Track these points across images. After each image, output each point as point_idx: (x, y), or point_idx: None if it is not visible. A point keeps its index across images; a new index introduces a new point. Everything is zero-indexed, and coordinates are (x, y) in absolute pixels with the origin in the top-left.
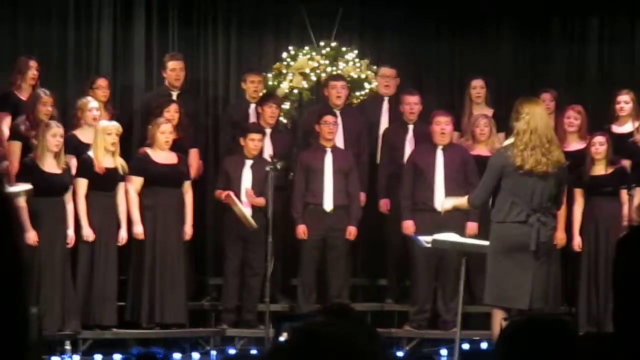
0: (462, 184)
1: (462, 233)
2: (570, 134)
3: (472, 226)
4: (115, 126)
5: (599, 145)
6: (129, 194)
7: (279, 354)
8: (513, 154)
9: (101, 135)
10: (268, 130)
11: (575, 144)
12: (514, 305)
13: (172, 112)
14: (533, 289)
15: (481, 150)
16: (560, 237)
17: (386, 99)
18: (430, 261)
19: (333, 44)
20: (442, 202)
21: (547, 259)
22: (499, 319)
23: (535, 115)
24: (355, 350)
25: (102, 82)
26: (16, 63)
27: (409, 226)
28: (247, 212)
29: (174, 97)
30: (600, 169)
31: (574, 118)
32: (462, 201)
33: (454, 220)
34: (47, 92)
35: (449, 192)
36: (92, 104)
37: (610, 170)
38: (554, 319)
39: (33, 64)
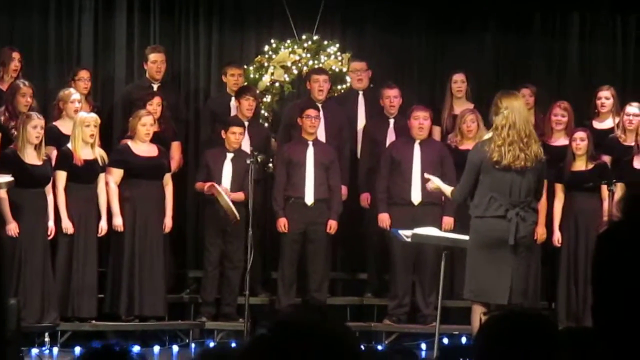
0: (439, 178)
1: (439, 227)
2: (556, 131)
3: (448, 221)
4: (93, 118)
5: (580, 140)
6: (109, 186)
7: (257, 346)
8: (491, 149)
9: (79, 127)
10: (246, 123)
11: (562, 139)
12: (493, 300)
13: (154, 105)
14: (512, 284)
15: (469, 145)
16: (540, 233)
17: (361, 92)
18: (409, 255)
19: (315, 38)
20: (432, 179)
21: (528, 254)
22: (478, 314)
23: (514, 109)
24: (336, 343)
25: (84, 74)
26: None
27: (384, 219)
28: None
29: (155, 89)
30: (581, 165)
31: (561, 115)
32: (446, 189)
33: (431, 214)
34: (27, 83)
35: (426, 187)
36: (74, 96)
37: (591, 166)
38: (533, 313)
39: (16, 55)
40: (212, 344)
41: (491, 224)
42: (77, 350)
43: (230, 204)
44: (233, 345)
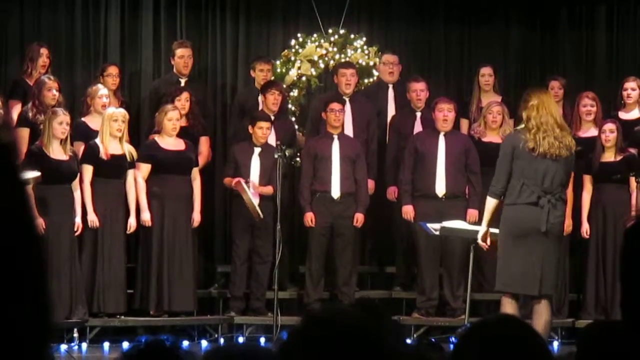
0: (463, 171)
1: (464, 220)
2: (586, 122)
3: (472, 213)
4: (121, 113)
5: (609, 132)
6: (137, 181)
7: (290, 341)
8: (526, 137)
9: (107, 122)
10: (272, 118)
11: (591, 131)
12: (524, 291)
13: (183, 100)
14: (542, 275)
15: (493, 137)
16: (567, 224)
17: (390, 86)
18: (435, 249)
19: (341, 31)
20: (479, 230)
21: (557, 246)
22: (508, 306)
23: (544, 103)
24: (366, 337)
25: (112, 70)
26: (27, 50)
27: (408, 211)
28: (256, 201)
29: (182, 84)
30: (609, 156)
31: (590, 105)
32: (488, 216)
33: (456, 207)
34: (52, 77)
35: (451, 179)
36: (101, 92)
37: (619, 158)
38: (504, 318)
39: (44, 51)
40: (241, 339)
41: (522, 212)
42: (106, 346)
43: (254, 202)
44: (262, 340)
